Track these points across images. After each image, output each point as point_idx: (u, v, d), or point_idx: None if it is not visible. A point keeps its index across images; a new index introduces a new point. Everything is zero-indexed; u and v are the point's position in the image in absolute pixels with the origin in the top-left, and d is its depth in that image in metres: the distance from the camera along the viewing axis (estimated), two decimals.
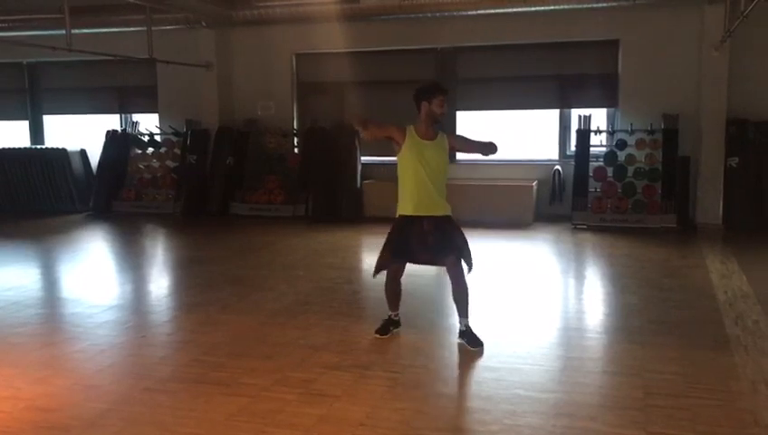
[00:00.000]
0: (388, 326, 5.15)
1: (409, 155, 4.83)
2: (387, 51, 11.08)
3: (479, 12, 9.81)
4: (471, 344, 4.84)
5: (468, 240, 4.97)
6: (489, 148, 5.00)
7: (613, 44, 10.23)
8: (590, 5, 9.55)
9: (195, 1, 10.23)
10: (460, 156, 11.12)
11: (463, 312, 4.94)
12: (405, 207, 4.89)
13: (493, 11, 9.75)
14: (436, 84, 4.95)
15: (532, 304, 6.12)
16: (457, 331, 4.98)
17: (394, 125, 4.92)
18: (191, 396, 4.13)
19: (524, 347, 4.89)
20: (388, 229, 5.03)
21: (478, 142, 5.09)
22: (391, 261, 4.96)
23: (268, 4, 10.50)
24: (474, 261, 5.00)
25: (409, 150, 4.82)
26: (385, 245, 4.97)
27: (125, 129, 12.59)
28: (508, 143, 11.05)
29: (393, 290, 5.12)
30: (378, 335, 5.09)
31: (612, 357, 4.81)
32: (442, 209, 4.89)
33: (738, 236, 8.96)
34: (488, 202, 10.14)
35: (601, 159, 10.08)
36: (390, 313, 5.19)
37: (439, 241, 4.83)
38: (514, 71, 10.90)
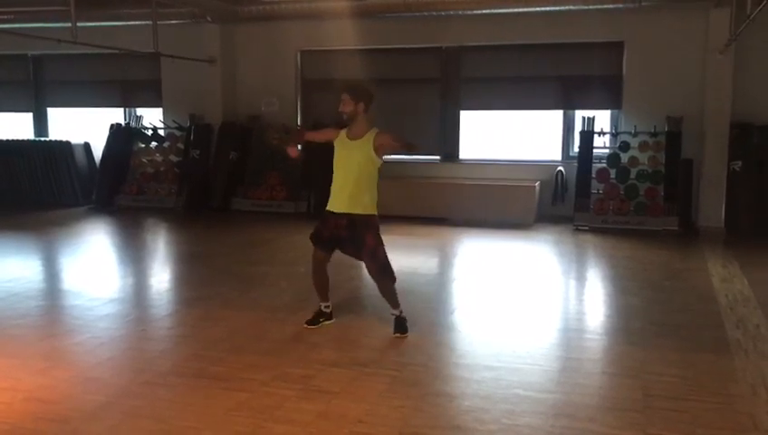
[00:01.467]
0: (318, 317, 5.25)
1: (335, 153, 5.05)
2: (391, 49, 11.06)
3: (484, 11, 9.78)
4: (395, 329, 5.05)
5: (386, 255, 5.00)
6: (411, 146, 4.94)
7: (618, 46, 10.20)
8: (595, 7, 9.52)
9: None
10: (463, 155, 11.15)
11: (393, 305, 5.12)
12: (329, 202, 5.07)
13: (498, 11, 9.73)
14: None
15: (532, 304, 6.11)
16: (393, 318, 5.12)
17: (334, 128, 5.17)
18: (190, 390, 4.14)
19: (524, 347, 4.89)
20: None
21: (401, 141, 4.92)
22: (315, 246, 5.08)
23: (273, 0, 10.50)
24: (392, 274, 5.05)
25: (336, 149, 5.05)
26: (310, 236, 5.14)
27: (129, 122, 12.59)
28: (511, 143, 11.13)
29: (318, 281, 5.19)
30: (306, 326, 5.19)
31: (612, 358, 4.80)
32: (359, 208, 4.93)
33: (740, 240, 8.94)
34: (490, 202, 10.13)
35: (604, 161, 10.05)
36: (320, 303, 5.27)
37: (353, 238, 4.95)
38: (519, 71, 10.87)
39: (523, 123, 11.24)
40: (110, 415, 3.79)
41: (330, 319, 5.29)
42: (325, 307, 5.27)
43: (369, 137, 4.91)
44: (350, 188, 4.93)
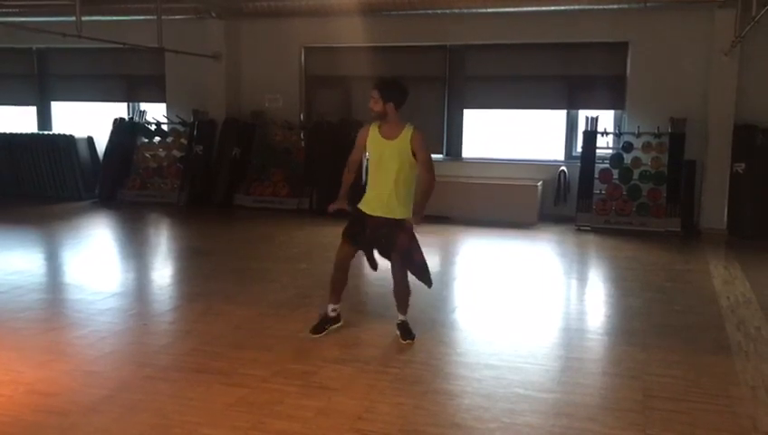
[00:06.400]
0: (324, 324, 5.02)
1: (369, 152, 4.85)
2: (396, 47, 11.05)
3: (489, 10, 9.77)
4: (402, 337, 4.90)
5: (423, 256, 4.86)
6: (427, 191, 4.75)
7: (622, 46, 10.18)
8: (599, 7, 9.51)
9: None
10: (467, 154, 11.15)
11: (401, 309, 4.99)
12: (364, 202, 4.85)
13: (503, 10, 9.71)
14: None
15: (534, 303, 6.11)
16: (398, 322, 4.99)
17: (363, 129, 4.90)
18: (191, 385, 4.14)
19: (525, 346, 4.89)
20: None
21: (425, 169, 4.73)
22: (345, 241, 4.89)
23: None
24: (429, 277, 4.95)
25: (369, 148, 4.84)
26: (343, 232, 4.94)
27: (132, 117, 12.59)
28: (514, 143, 11.12)
29: (338, 278, 4.99)
30: (312, 335, 4.94)
31: (613, 359, 4.80)
32: (391, 212, 4.71)
33: (742, 242, 8.93)
34: (493, 201, 10.12)
35: (607, 161, 10.04)
36: (329, 305, 5.05)
37: (385, 239, 4.76)
38: (523, 70, 10.86)
39: (526, 123, 11.23)
40: (111, 409, 3.80)
41: (338, 322, 5.08)
42: (332, 310, 5.03)
43: (405, 136, 4.67)
44: (386, 192, 4.69)
